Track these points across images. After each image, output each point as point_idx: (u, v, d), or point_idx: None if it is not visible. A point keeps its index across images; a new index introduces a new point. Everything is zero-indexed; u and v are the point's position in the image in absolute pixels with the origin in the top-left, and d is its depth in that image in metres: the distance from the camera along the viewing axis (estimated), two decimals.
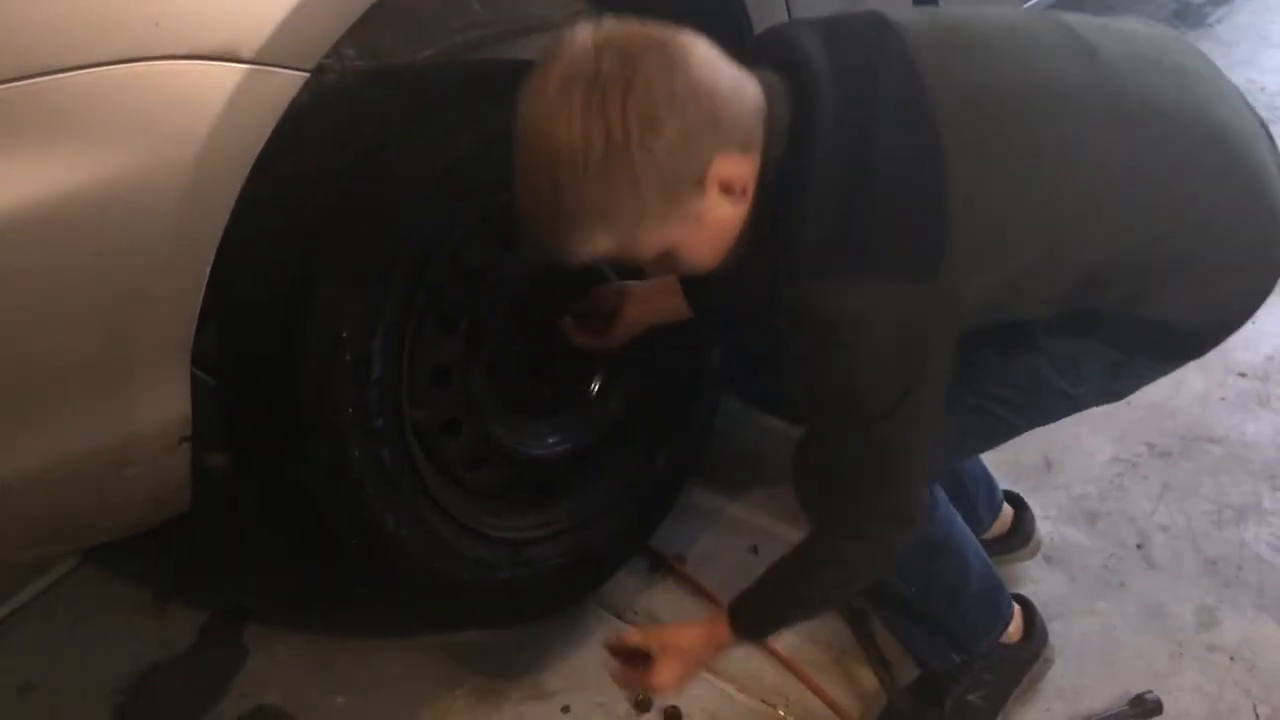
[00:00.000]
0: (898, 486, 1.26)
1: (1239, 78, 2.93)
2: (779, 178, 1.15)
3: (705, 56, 1.09)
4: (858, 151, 1.13)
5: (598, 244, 1.11)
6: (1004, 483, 1.90)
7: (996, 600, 1.64)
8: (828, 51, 1.19)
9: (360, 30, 1.22)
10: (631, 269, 1.50)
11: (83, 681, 1.74)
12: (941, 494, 1.54)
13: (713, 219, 1.14)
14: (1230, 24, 3.53)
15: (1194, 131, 1.27)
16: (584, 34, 1.07)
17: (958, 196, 1.13)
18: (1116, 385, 1.39)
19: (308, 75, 1.16)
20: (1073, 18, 1.32)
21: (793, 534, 1.99)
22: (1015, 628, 1.66)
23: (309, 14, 1.13)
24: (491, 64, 1.50)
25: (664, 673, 1.40)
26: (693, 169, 1.09)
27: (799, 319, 1.16)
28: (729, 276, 1.24)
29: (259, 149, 1.16)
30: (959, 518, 1.57)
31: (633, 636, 1.45)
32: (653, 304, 1.59)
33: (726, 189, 1.13)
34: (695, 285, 1.55)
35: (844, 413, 1.21)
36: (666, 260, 1.17)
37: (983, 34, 1.25)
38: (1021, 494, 1.93)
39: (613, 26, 1.08)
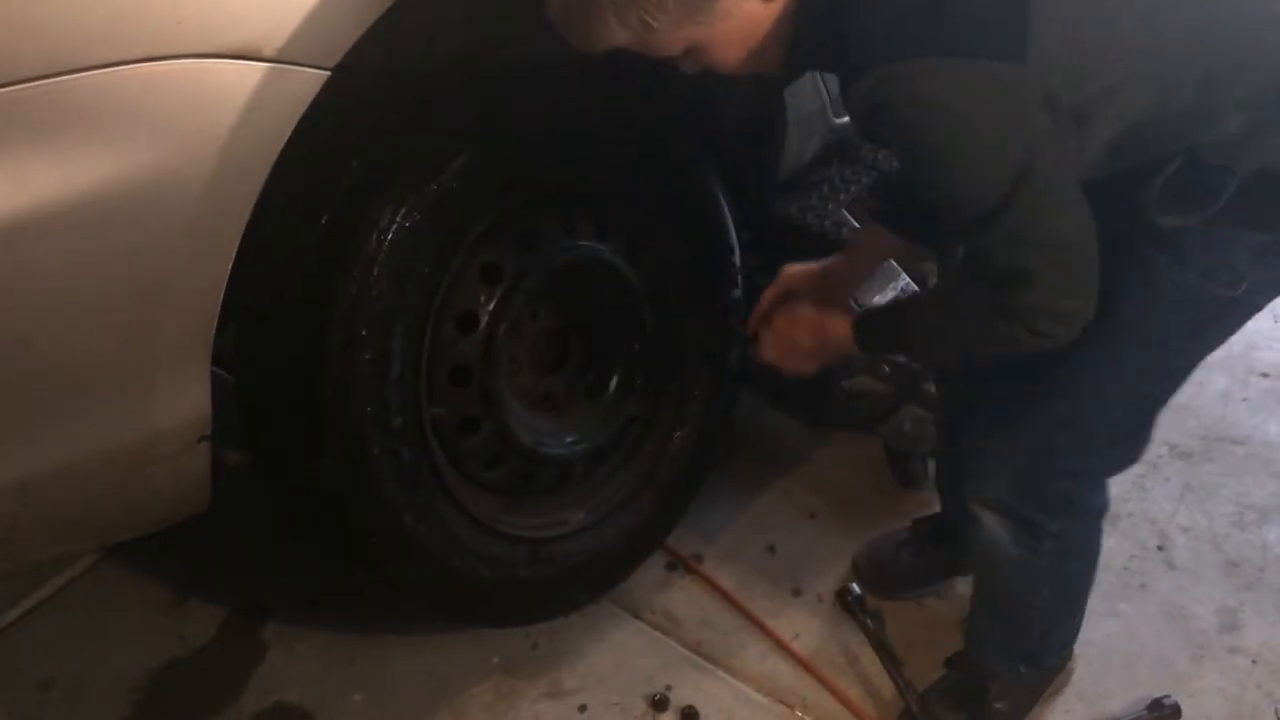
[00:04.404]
0: (1055, 272, 1.14)
1: None
2: None
3: None
4: None
5: (615, 37, 1.08)
6: None
7: (1080, 621, 1.64)
8: None
9: (381, 29, 1.22)
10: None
11: (102, 677, 1.75)
12: (1109, 498, 1.50)
13: (740, 16, 1.08)
14: None
15: None
16: None
17: None
18: (1276, 270, 1.25)
19: (329, 74, 1.16)
20: None
21: (811, 533, 2.00)
22: None
23: (331, 12, 1.13)
24: (506, 66, 1.50)
25: (768, 348, 1.51)
26: None
27: (877, 116, 1.07)
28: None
29: (280, 147, 1.16)
30: None
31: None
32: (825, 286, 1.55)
33: None
34: None
35: (959, 213, 1.12)
36: (693, 58, 1.12)
37: None
38: None
39: None
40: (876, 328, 1.38)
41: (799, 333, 1.48)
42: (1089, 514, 1.48)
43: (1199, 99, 1.13)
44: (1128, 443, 1.41)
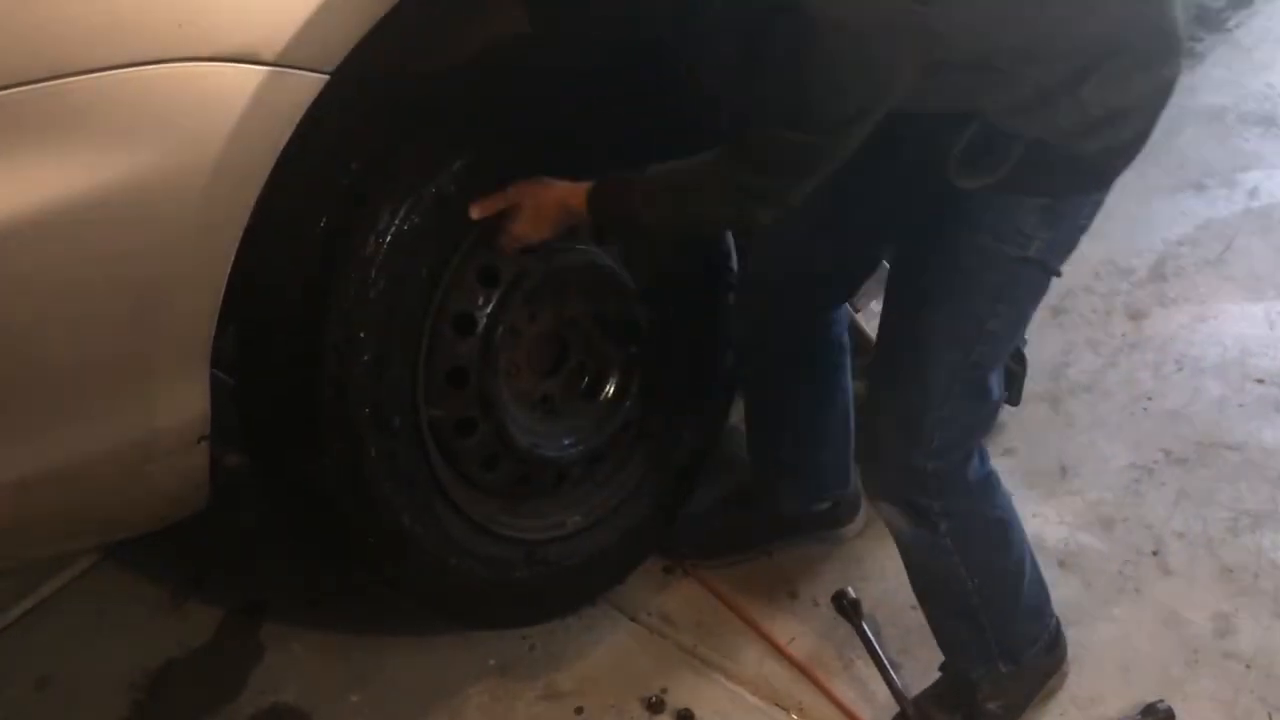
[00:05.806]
0: (806, 175, 1.28)
1: (1257, 81, 2.94)
2: None
3: None
4: None
5: None
6: (1018, 488, 1.88)
7: (1045, 607, 1.65)
8: None
9: (379, 34, 1.23)
10: None
11: (100, 676, 1.75)
12: (996, 472, 1.56)
13: None
14: (1249, 28, 3.51)
15: None
16: None
17: None
18: (1062, 232, 1.38)
19: (328, 78, 1.17)
20: None
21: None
22: None
23: (330, 17, 1.14)
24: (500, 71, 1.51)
25: (519, 224, 1.48)
26: None
27: (785, 14, 1.14)
28: None
29: (279, 150, 1.17)
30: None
31: (500, 196, 1.48)
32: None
33: None
34: None
35: (799, 113, 1.21)
36: None
37: None
38: (1036, 500, 1.92)
39: None
40: (610, 195, 1.43)
41: (545, 207, 1.48)
42: (971, 488, 1.52)
43: (1011, 64, 1.23)
44: (974, 409, 1.48)
